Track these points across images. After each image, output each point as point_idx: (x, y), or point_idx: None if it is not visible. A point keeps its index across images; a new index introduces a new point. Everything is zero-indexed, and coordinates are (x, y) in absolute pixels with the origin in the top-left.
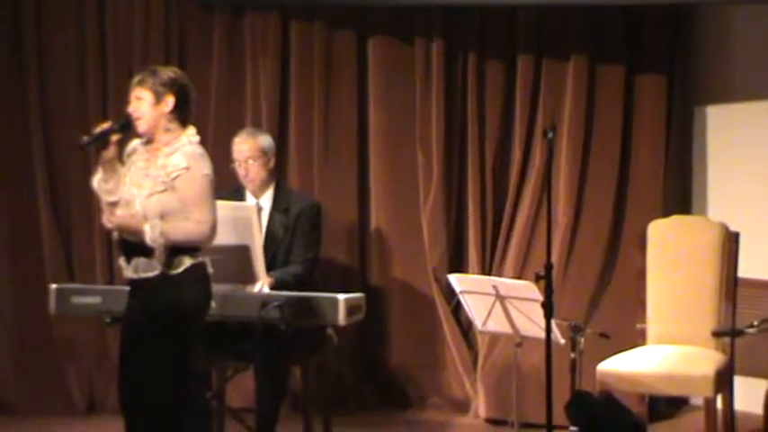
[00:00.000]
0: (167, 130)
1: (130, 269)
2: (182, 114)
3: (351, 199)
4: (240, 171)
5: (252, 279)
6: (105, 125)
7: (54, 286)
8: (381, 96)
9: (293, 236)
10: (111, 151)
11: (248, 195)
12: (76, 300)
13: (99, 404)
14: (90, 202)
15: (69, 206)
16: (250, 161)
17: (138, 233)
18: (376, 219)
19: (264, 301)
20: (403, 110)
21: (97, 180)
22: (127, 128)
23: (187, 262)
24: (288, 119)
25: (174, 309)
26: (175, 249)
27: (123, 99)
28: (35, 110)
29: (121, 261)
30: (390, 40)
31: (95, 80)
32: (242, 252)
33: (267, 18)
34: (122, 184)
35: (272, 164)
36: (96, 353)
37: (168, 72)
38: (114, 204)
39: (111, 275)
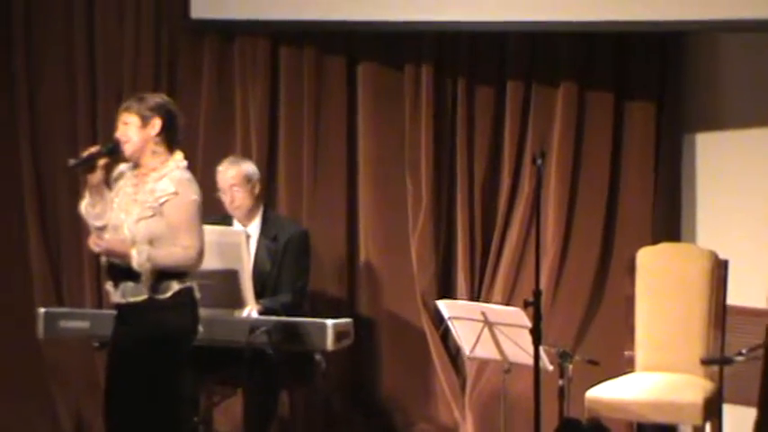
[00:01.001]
0: (154, 153)
1: (118, 294)
2: (169, 138)
3: (339, 225)
4: (225, 199)
5: (240, 304)
6: (93, 149)
7: (42, 310)
8: (371, 122)
9: (282, 264)
10: (97, 176)
11: (236, 223)
12: (65, 324)
13: (87, 428)
14: (79, 227)
15: (58, 230)
16: (235, 188)
17: (125, 258)
18: (365, 244)
19: (253, 327)
20: (392, 135)
21: (84, 205)
22: (114, 152)
23: (175, 287)
24: (277, 144)
25: (161, 333)
26: (163, 274)
27: (113, 123)
28: (24, 134)
29: (108, 285)
30: (380, 65)
31: (85, 105)
32: (230, 277)
33: (257, 43)
34: (110, 210)
35: (257, 190)
36: (84, 377)
37: (155, 98)
38: (102, 229)
39: (100, 300)
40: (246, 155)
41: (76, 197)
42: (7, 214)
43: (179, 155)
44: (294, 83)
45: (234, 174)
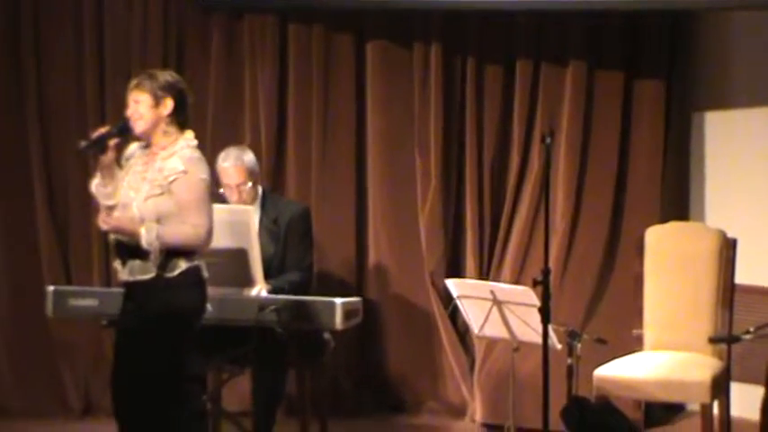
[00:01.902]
0: (165, 133)
1: (125, 272)
2: (180, 118)
3: (348, 203)
4: (232, 196)
5: (249, 283)
6: (103, 129)
7: (51, 288)
8: (380, 101)
9: (286, 245)
10: (109, 155)
11: None
12: (73, 302)
13: (95, 406)
14: (87, 205)
15: (67, 209)
16: (241, 187)
17: (134, 235)
18: (373, 223)
19: (262, 305)
20: (401, 114)
21: (95, 184)
22: (125, 131)
23: (183, 265)
24: (286, 123)
25: (170, 312)
26: (171, 252)
27: (121, 103)
28: (33, 114)
29: (117, 264)
30: (389, 44)
31: (93, 84)
32: (239, 255)
33: (265, 21)
34: (120, 188)
35: (259, 180)
36: (93, 355)
37: (166, 75)
38: (112, 208)
39: (109, 278)
40: (255, 133)
41: (85, 176)
42: (16, 194)
43: (190, 133)
44: (303, 61)
45: (239, 171)
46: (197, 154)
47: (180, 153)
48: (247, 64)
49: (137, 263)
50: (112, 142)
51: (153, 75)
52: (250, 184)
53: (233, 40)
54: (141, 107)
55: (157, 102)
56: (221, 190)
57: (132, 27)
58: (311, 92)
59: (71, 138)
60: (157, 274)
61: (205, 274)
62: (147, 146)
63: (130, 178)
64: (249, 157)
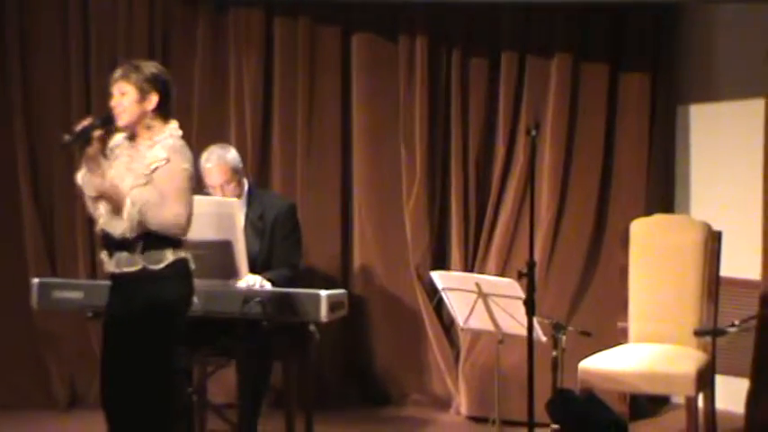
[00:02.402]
0: (149, 127)
1: (112, 263)
2: (164, 110)
3: (333, 195)
4: (215, 193)
5: (234, 275)
6: (86, 122)
7: (36, 280)
8: (365, 93)
9: (272, 241)
10: (94, 147)
11: None
12: (59, 294)
13: (81, 398)
14: (73, 197)
15: (52, 200)
16: (225, 186)
17: (118, 203)
18: (359, 215)
19: (247, 297)
20: (387, 107)
21: (81, 175)
22: (108, 123)
23: (169, 257)
24: (271, 115)
25: (156, 304)
26: (158, 243)
27: (106, 95)
28: (18, 106)
29: (103, 255)
30: (374, 36)
31: (78, 77)
32: (224, 248)
33: (251, 13)
34: (106, 179)
35: (243, 176)
36: (78, 347)
37: (151, 67)
38: (98, 199)
39: (94, 270)
40: (240, 125)
41: (70, 168)
42: (1, 186)
43: (174, 123)
44: (288, 53)
45: (223, 171)
46: (180, 143)
47: (163, 142)
48: (233, 56)
49: (123, 254)
50: (97, 134)
51: (138, 66)
52: (234, 182)
53: (218, 31)
54: (125, 100)
55: (143, 96)
56: (206, 189)
57: (118, 19)
58: (297, 84)
59: (56, 130)
60: (144, 265)
61: (192, 266)
62: (132, 137)
63: (116, 169)
64: (232, 155)
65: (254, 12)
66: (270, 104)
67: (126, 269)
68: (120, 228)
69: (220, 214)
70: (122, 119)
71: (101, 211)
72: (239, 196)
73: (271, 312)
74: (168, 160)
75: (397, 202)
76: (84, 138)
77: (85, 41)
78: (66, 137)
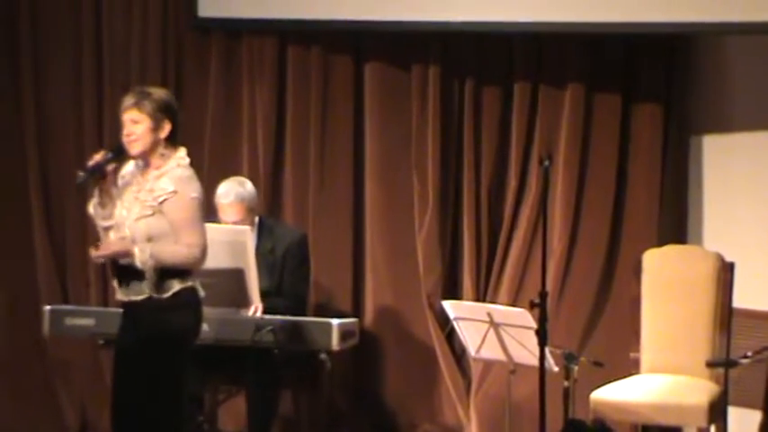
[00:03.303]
0: (162, 155)
1: (122, 292)
2: (174, 138)
3: (346, 225)
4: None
5: (246, 303)
6: (99, 156)
7: (48, 308)
8: (378, 122)
9: (282, 273)
10: (108, 181)
11: None
12: (70, 321)
13: (91, 426)
14: (85, 225)
15: (64, 228)
16: (239, 223)
17: (128, 256)
18: (371, 244)
19: (258, 326)
20: (399, 136)
21: (93, 205)
22: (121, 154)
23: (176, 286)
24: (284, 143)
25: (162, 333)
26: (165, 273)
27: (118, 125)
28: (31, 133)
29: (114, 283)
30: (387, 66)
31: (91, 105)
32: (236, 276)
33: (264, 42)
34: (116, 207)
35: (256, 210)
36: (90, 375)
37: (161, 95)
38: (108, 229)
39: (106, 298)
40: (252, 154)
41: (82, 195)
42: (13, 212)
43: (182, 151)
44: (301, 82)
45: (239, 210)
46: (188, 172)
47: (170, 173)
48: (245, 84)
49: (133, 283)
50: (110, 167)
51: (149, 94)
52: (248, 220)
53: (231, 60)
54: (138, 129)
55: (157, 125)
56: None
57: (131, 48)
58: (309, 113)
59: (69, 158)
60: (150, 294)
61: (201, 294)
62: (143, 165)
63: (125, 198)
64: (249, 192)
65: (267, 41)
66: (282, 133)
67: (134, 298)
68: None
69: (232, 242)
70: (135, 148)
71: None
72: (251, 228)
73: (282, 341)
74: (176, 192)
75: (409, 231)
76: (99, 173)
77: (99, 70)
78: (81, 174)
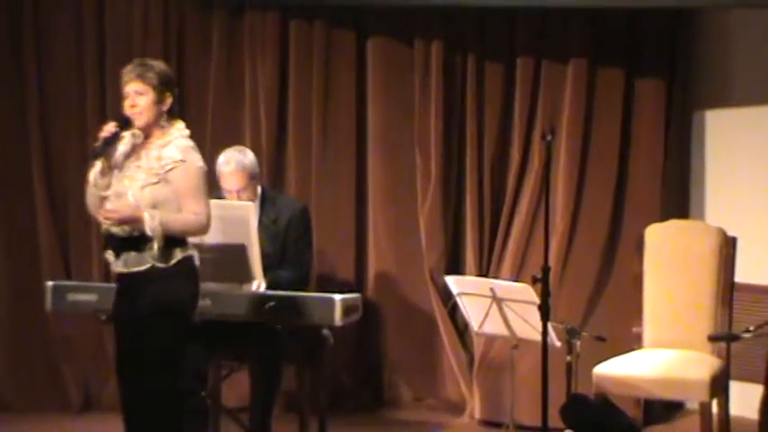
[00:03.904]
0: (162, 127)
1: (120, 263)
2: (172, 110)
3: (348, 199)
4: (231, 197)
5: (249, 278)
6: (111, 129)
7: (50, 283)
8: (380, 97)
9: (285, 243)
10: (112, 151)
11: None
12: (72, 297)
13: (94, 401)
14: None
15: (66, 203)
16: (241, 191)
17: (138, 222)
18: (373, 220)
19: (261, 301)
20: (401, 111)
21: (95, 174)
22: (128, 126)
23: (178, 255)
24: (286, 118)
25: (167, 302)
26: (168, 242)
27: (120, 101)
28: (34, 110)
29: (109, 255)
30: (390, 41)
31: (93, 83)
32: (239, 251)
33: (266, 17)
34: (114, 178)
35: (258, 180)
36: (92, 350)
37: (163, 67)
38: (105, 198)
39: (108, 273)
40: (255, 128)
41: (84, 171)
42: (16, 189)
43: (180, 123)
44: (303, 57)
45: (241, 178)
46: (191, 143)
47: (176, 142)
48: (248, 59)
49: (132, 254)
50: (121, 138)
51: (152, 66)
52: (250, 188)
53: (234, 34)
54: (143, 101)
55: (160, 98)
56: (220, 193)
57: (133, 22)
58: (311, 88)
59: (71, 135)
60: (153, 264)
61: (197, 263)
62: (143, 136)
63: (126, 168)
64: (251, 160)
65: (270, 15)
66: (285, 107)
67: (135, 269)
68: (128, 228)
69: (235, 218)
70: (140, 120)
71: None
72: (253, 200)
73: (285, 316)
74: (184, 161)
75: (412, 206)
76: (112, 144)
77: (101, 45)
78: (97, 145)
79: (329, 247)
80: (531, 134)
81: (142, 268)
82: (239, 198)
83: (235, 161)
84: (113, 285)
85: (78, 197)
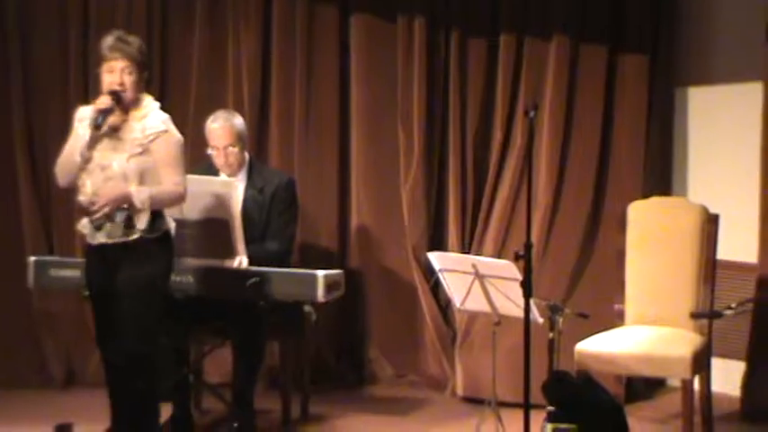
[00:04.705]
0: (138, 100)
1: (102, 234)
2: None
3: (331, 175)
4: (218, 157)
5: (230, 254)
6: (107, 101)
7: (33, 259)
8: (363, 73)
9: (269, 214)
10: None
11: (221, 174)
12: (55, 273)
13: (77, 376)
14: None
15: (49, 180)
16: (230, 148)
17: (127, 199)
18: (356, 196)
19: (243, 277)
20: (384, 87)
21: (83, 144)
22: (120, 101)
23: (162, 226)
24: (269, 94)
25: (157, 270)
26: (155, 213)
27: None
28: (16, 86)
29: (85, 226)
30: (372, 16)
31: (77, 55)
32: (221, 227)
33: None
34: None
35: (246, 145)
36: (75, 326)
37: (140, 42)
38: (83, 170)
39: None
40: (238, 104)
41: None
42: None
43: (149, 96)
44: (286, 33)
45: (229, 132)
46: (167, 115)
47: (155, 113)
48: (231, 33)
49: (115, 225)
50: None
51: (133, 42)
52: (237, 147)
53: (217, 9)
54: (129, 77)
55: (140, 74)
56: (209, 151)
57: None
58: (294, 63)
59: (54, 111)
60: (141, 235)
61: (173, 233)
62: (117, 110)
63: (104, 141)
64: (238, 120)
65: None
66: (268, 83)
67: (120, 239)
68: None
69: (217, 194)
70: (127, 96)
71: (95, 183)
72: (241, 166)
73: (267, 292)
74: (166, 131)
75: (395, 182)
76: (107, 118)
77: (85, 21)
78: (98, 119)
79: (312, 224)
80: (513, 111)
81: (130, 239)
82: (226, 157)
83: (222, 117)
84: None
85: None
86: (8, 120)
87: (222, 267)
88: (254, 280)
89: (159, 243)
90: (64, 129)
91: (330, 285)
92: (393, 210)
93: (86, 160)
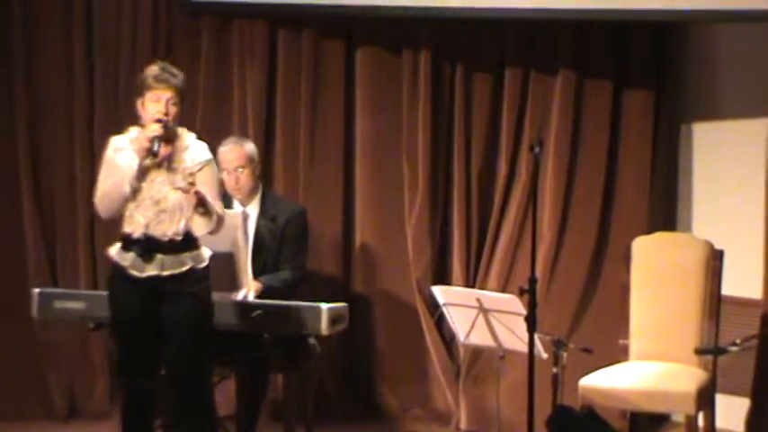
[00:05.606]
0: (176, 131)
1: (153, 267)
2: None
3: (336, 208)
4: (230, 181)
5: (236, 287)
6: (158, 131)
7: (37, 290)
8: (368, 106)
9: (281, 243)
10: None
11: (236, 204)
12: (59, 304)
13: (79, 409)
14: (74, 208)
15: (53, 210)
16: (240, 170)
17: (210, 211)
18: (361, 229)
19: (248, 310)
20: (389, 121)
21: (132, 175)
22: (169, 131)
23: (206, 257)
24: (274, 127)
25: (205, 304)
26: (197, 243)
27: (109, 105)
28: (22, 116)
29: (135, 259)
30: (378, 50)
31: (82, 87)
32: (227, 260)
33: (255, 25)
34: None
35: (258, 171)
36: (78, 358)
37: (183, 74)
38: (129, 201)
39: (95, 281)
40: (243, 137)
41: (73, 176)
42: (3, 195)
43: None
44: (292, 66)
45: (239, 155)
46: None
47: (196, 143)
48: (236, 68)
49: (168, 257)
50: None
51: (176, 74)
52: (248, 170)
53: (222, 43)
54: (174, 110)
55: (182, 105)
56: (221, 176)
57: (122, 30)
58: (300, 97)
59: (59, 138)
60: (192, 266)
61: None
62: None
63: (153, 172)
64: (249, 145)
65: (258, 24)
66: (273, 117)
67: (173, 271)
68: (170, 230)
69: (223, 226)
70: (174, 124)
71: (147, 216)
72: (252, 191)
73: (271, 325)
74: (210, 160)
75: (399, 216)
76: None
77: (89, 52)
78: (155, 149)
79: (317, 255)
80: (518, 145)
81: (182, 270)
82: (237, 180)
83: (232, 141)
84: (101, 293)
85: (66, 204)
86: (13, 148)
87: (227, 300)
88: (258, 312)
89: (206, 276)
90: (68, 159)
91: (334, 318)
92: (397, 243)
93: (134, 191)
